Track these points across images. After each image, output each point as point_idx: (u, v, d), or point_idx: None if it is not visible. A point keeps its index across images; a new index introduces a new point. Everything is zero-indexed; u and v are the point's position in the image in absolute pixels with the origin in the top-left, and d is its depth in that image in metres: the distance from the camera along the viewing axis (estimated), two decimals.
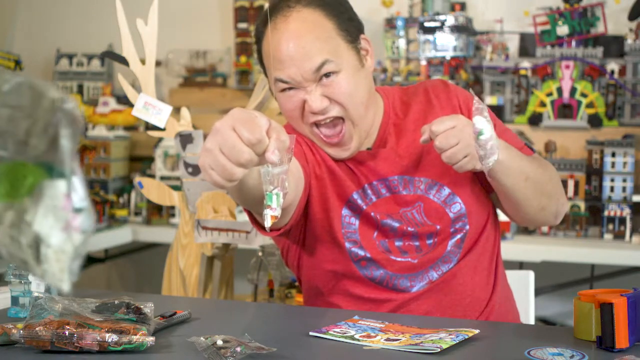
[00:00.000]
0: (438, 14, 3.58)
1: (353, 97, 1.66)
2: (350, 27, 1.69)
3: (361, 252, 1.72)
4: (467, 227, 1.73)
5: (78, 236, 0.86)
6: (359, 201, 1.72)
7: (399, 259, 1.72)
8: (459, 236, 1.73)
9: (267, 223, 1.29)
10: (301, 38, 1.63)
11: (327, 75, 1.64)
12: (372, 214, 1.72)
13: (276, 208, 1.28)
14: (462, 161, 1.57)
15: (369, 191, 1.73)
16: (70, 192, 0.84)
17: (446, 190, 1.73)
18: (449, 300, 1.72)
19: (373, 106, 1.74)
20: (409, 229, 1.72)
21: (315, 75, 1.63)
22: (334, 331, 1.42)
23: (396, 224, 1.72)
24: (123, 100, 3.88)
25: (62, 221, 0.85)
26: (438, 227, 1.72)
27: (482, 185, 1.77)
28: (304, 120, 1.69)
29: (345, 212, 1.72)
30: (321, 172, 1.73)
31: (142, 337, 1.30)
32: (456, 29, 3.53)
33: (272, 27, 1.65)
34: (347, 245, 1.71)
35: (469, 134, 1.55)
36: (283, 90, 1.67)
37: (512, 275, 1.93)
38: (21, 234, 0.85)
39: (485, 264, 1.77)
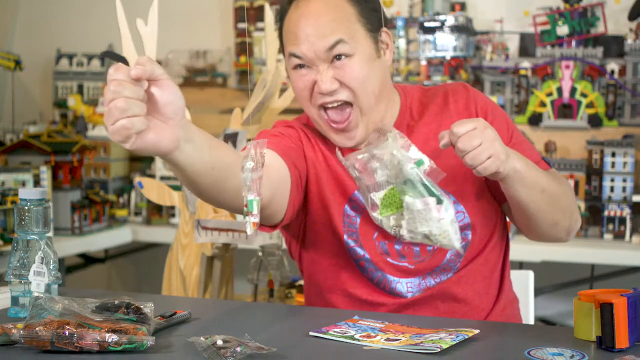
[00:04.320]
0: (438, 14, 3.58)
1: (364, 84, 1.66)
2: (372, 17, 1.69)
3: (360, 252, 1.71)
4: (470, 237, 1.72)
5: (446, 219, 1.39)
6: (361, 199, 1.71)
7: (396, 263, 1.71)
8: None
9: (249, 230, 1.29)
10: (319, 17, 1.65)
11: (339, 57, 1.64)
12: None
13: (257, 214, 1.29)
14: (486, 162, 1.49)
15: None
16: (423, 197, 1.39)
17: (451, 198, 1.70)
18: (446, 308, 1.72)
19: (386, 100, 1.73)
20: None
21: (328, 54, 1.64)
22: (334, 331, 1.42)
23: None
24: None
25: (430, 220, 1.39)
26: None
27: (494, 195, 1.75)
28: (312, 102, 1.68)
29: (347, 208, 1.72)
30: (322, 168, 1.73)
31: (142, 337, 1.30)
32: (456, 29, 3.53)
33: (295, 5, 1.68)
34: (348, 242, 1.71)
35: (490, 135, 1.50)
36: (295, 67, 1.68)
37: (512, 275, 1.93)
38: (414, 228, 1.41)
39: (486, 273, 1.75)
